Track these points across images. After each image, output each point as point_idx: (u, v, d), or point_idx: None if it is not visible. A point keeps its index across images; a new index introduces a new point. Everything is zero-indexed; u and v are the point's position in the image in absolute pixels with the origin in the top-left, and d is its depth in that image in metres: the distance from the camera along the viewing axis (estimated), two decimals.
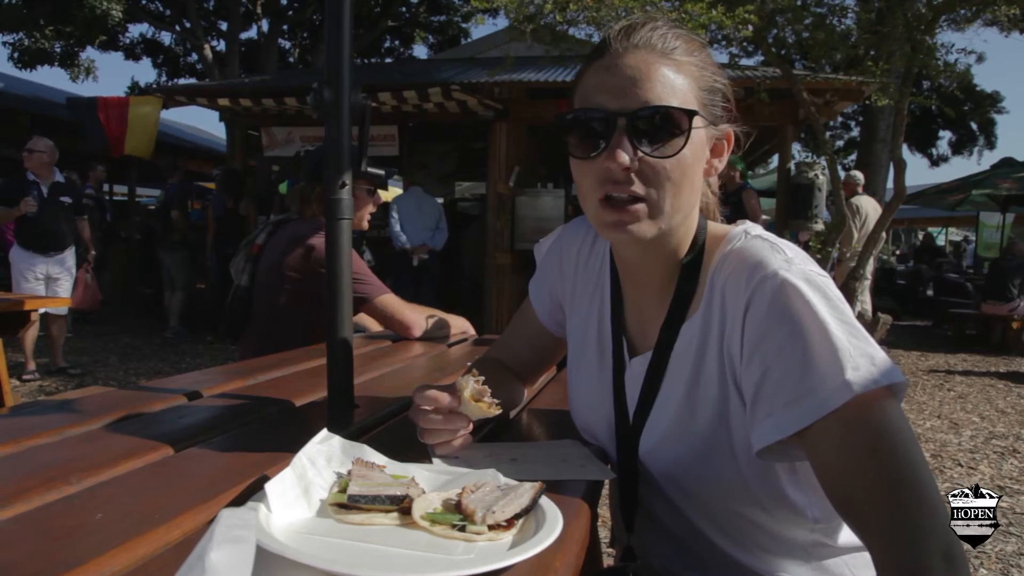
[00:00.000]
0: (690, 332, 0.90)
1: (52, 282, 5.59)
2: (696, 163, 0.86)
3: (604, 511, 2.45)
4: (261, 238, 2.34)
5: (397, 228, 7.07)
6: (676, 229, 0.90)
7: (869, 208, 6.92)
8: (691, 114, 0.83)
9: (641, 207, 0.84)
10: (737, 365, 0.83)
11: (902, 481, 0.70)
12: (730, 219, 1.02)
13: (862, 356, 0.74)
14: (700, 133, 0.85)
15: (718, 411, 0.86)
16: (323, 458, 0.81)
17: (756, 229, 0.91)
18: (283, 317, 2.21)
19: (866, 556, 0.94)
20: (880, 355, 0.75)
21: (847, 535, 0.93)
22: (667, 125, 0.82)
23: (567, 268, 1.12)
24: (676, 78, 0.84)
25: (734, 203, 5.63)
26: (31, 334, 5.44)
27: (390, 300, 2.15)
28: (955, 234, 22.66)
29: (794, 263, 0.81)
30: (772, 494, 0.89)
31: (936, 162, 20.21)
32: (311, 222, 2.28)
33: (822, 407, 0.73)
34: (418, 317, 2.19)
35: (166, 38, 16.19)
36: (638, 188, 0.83)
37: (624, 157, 0.81)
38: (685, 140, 0.83)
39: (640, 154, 0.82)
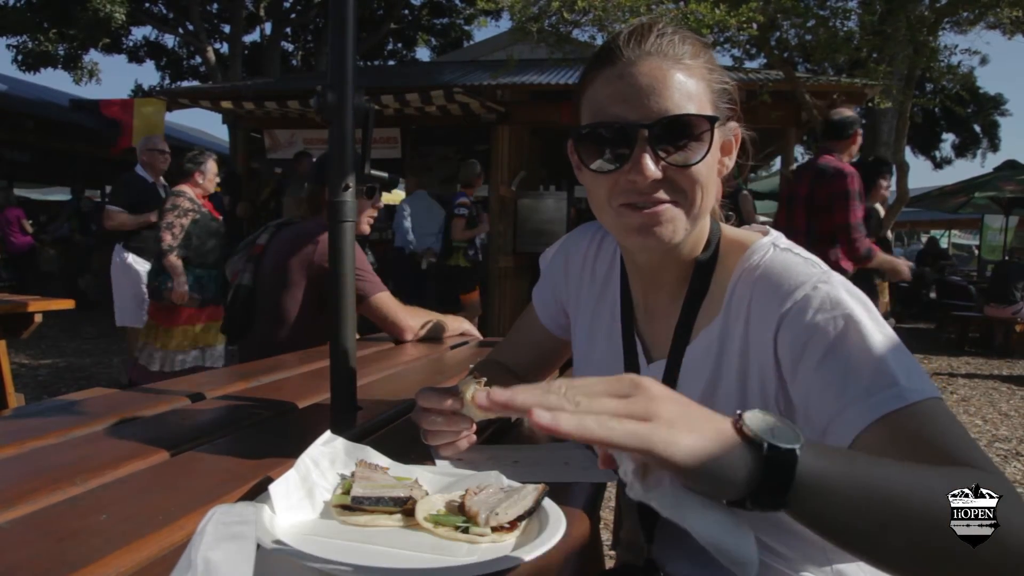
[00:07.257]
0: (707, 340, 0.88)
1: None
2: (715, 164, 0.86)
3: (606, 514, 2.45)
4: (263, 239, 2.33)
5: (408, 225, 7.01)
6: (695, 230, 0.89)
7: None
8: (712, 120, 0.82)
9: (667, 208, 0.82)
10: (770, 380, 0.82)
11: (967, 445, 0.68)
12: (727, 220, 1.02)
13: (913, 367, 0.73)
14: (716, 135, 0.84)
15: None
16: (327, 460, 0.81)
17: (784, 241, 0.89)
18: (286, 317, 2.20)
19: None
20: (920, 367, 0.75)
21: None
22: (689, 132, 0.81)
23: (572, 271, 1.11)
24: (690, 83, 0.82)
25: (730, 206, 5.65)
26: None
27: (386, 300, 2.14)
28: (958, 236, 22.60)
29: (832, 275, 0.80)
30: None
31: (939, 164, 20.23)
32: (316, 220, 2.29)
33: (893, 402, 0.70)
34: (412, 322, 2.17)
35: (169, 41, 16.28)
36: (664, 196, 0.82)
37: (651, 168, 0.79)
38: (708, 145, 0.82)
39: (663, 164, 0.81)
